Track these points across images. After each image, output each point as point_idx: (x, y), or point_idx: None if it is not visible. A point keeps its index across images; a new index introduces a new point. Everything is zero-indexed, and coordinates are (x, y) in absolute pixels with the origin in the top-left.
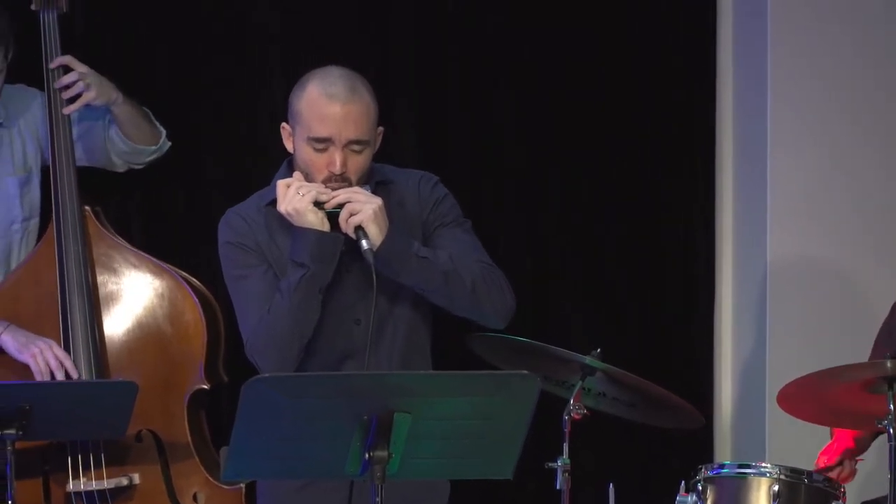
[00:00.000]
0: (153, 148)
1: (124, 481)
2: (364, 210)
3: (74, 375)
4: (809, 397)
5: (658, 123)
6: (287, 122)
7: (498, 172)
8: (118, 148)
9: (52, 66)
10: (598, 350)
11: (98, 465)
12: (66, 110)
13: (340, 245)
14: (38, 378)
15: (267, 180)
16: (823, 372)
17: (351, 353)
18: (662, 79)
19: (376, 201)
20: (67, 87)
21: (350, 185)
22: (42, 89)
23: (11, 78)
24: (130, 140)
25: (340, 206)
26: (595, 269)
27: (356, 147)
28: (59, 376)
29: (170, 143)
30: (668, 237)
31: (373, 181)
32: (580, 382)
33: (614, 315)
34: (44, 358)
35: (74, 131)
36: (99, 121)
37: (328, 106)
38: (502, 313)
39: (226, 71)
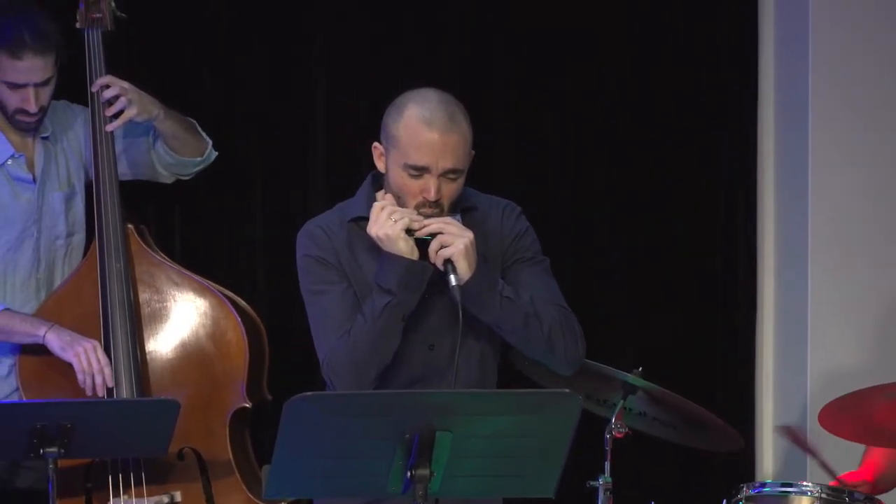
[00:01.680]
0: (199, 159)
1: (165, 499)
2: (456, 244)
3: (110, 385)
4: (851, 416)
5: (700, 142)
6: (379, 142)
7: (542, 187)
8: (164, 160)
9: (93, 88)
10: (640, 368)
11: (139, 483)
12: (109, 127)
13: (429, 274)
14: (81, 378)
15: (311, 198)
16: (864, 391)
17: (421, 377)
18: (707, 96)
19: (468, 235)
20: (110, 103)
21: (442, 211)
22: (86, 106)
23: (56, 94)
24: (176, 152)
25: (431, 234)
26: (637, 288)
27: (452, 175)
28: (99, 380)
29: (216, 153)
30: (710, 256)
31: (461, 205)
32: (622, 401)
33: (656, 334)
34: (87, 358)
35: (119, 145)
36: (144, 134)
37: (427, 134)
38: (572, 362)
39: (271, 88)
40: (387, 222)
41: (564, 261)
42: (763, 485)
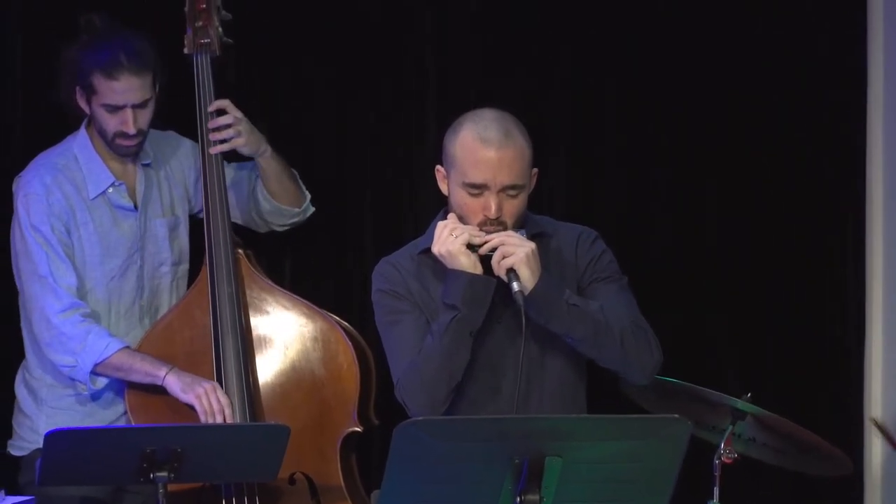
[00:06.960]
0: (296, 210)
1: None
2: (517, 253)
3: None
4: None
5: (807, 165)
6: (441, 165)
7: (648, 211)
8: (261, 207)
9: (210, 108)
10: (749, 394)
11: None
12: (213, 150)
13: (492, 289)
14: (204, 419)
15: (416, 228)
16: None
17: (499, 406)
18: (814, 116)
19: (529, 245)
20: (218, 129)
21: (505, 228)
22: (189, 135)
23: (161, 123)
24: (273, 198)
25: (494, 249)
26: (747, 314)
27: (511, 192)
28: (220, 420)
29: (313, 209)
30: (818, 284)
31: (529, 231)
32: (731, 427)
33: (764, 361)
34: (208, 400)
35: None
36: (245, 180)
37: (482, 151)
38: (648, 370)
39: (380, 117)
40: (448, 239)
41: (671, 285)
42: None
